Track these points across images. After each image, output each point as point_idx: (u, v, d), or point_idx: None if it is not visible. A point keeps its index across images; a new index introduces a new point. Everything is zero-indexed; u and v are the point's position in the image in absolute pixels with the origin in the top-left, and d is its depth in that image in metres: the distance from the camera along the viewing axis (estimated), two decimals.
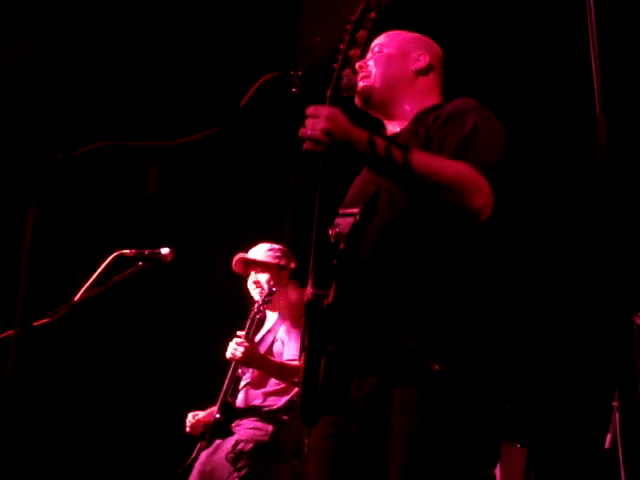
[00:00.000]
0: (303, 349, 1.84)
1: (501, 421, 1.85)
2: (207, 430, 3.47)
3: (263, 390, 3.53)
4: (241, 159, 5.52)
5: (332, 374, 1.81)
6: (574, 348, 3.69)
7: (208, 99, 5.02)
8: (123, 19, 5.23)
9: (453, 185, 1.75)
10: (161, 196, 5.91)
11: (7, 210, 5.02)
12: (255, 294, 3.66)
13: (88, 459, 5.24)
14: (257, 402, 3.50)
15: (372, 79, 2.10)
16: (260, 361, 3.39)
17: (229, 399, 3.49)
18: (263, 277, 3.66)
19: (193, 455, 3.46)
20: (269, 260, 3.68)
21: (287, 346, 3.49)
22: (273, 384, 3.52)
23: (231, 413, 3.46)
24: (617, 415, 2.92)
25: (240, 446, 3.36)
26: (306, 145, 1.75)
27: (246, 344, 3.30)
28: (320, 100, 1.88)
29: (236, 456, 3.34)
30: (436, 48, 2.21)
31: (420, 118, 2.02)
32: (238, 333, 3.40)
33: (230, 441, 3.40)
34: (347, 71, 1.87)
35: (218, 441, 3.44)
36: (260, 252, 3.72)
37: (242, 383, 3.61)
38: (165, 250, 2.90)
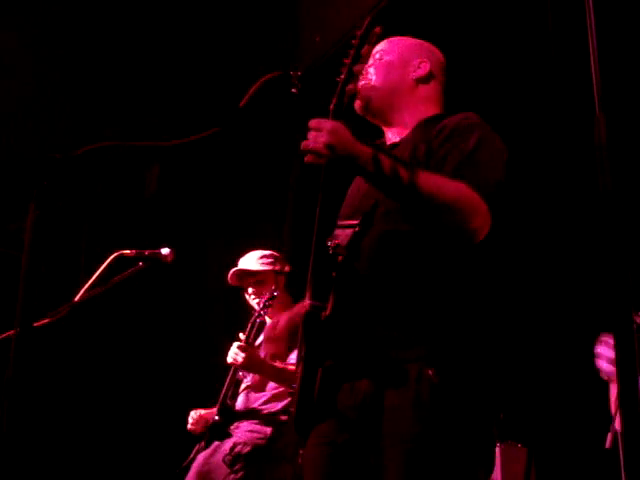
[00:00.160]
0: (299, 360, 1.83)
1: (495, 428, 1.85)
2: (205, 432, 3.47)
3: (263, 393, 3.53)
4: (241, 159, 5.52)
5: (328, 388, 1.81)
6: (574, 348, 3.69)
7: (208, 99, 5.02)
8: (124, 19, 5.22)
9: (452, 206, 1.76)
10: (161, 196, 5.91)
11: (7, 210, 5.02)
12: (254, 304, 3.65)
13: (88, 459, 5.24)
14: (256, 405, 3.50)
15: (372, 86, 2.08)
16: (261, 366, 3.38)
17: (229, 402, 3.49)
18: (260, 286, 3.65)
19: (191, 456, 3.47)
20: (264, 268, 3.67)
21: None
22: (273, 387, 3.52)
23: (230, 415, 3.46)
24: (618, 415, 2.93)
25: (238, 448, 3.37)
26: (308, 158, 1.76)
27: (247, 350, 3.30)
28: (321, 106, 1.89)
29: (233, 458, 3.34)
30: (438, 55, 2.19)
31: (420, 129, 2.01)
32: (240, 336, 3.40)
33: (228, 443, 3.40)
34: (350, 86, 1.87)
35: (216, 443, 3.44)
36: (253, 261, 3.71)
37: (242, 386, 3.61)
38: (165, 250, 2.91)
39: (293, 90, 2.05)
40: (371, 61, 2.12)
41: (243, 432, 3.43)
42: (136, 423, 5.35)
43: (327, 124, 1.76)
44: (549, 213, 3.81)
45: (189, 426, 3.53)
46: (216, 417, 3.44)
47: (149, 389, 5.38)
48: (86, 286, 2.72)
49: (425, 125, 2.02)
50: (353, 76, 1.88)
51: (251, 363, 3.33)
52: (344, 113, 1.86)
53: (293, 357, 3.43)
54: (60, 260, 5.49)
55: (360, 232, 1.89)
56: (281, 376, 3.37)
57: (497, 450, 3.67)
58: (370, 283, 1.85)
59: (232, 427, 3.46)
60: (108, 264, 2.78)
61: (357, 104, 2.09)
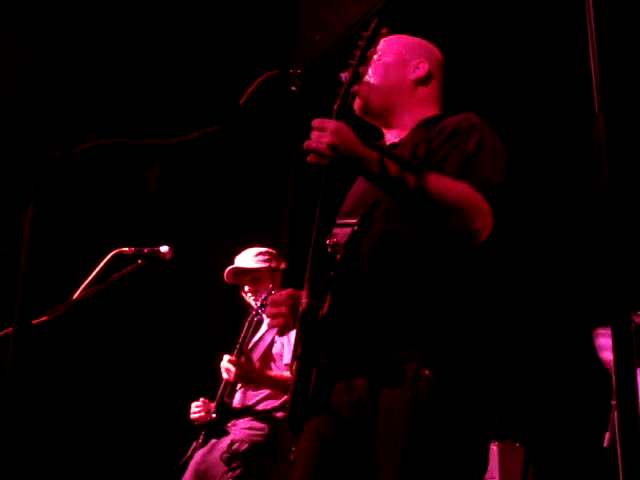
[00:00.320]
0: (295, 358, 1.83)
1: (490, 430, 1.85)
2: (202, 430, 3.47)
3: (260, 391, 3.52)
4: (241, 157, 5.52)
5: (323, 387, 1.80)
6: (572, 347, 3.69)
7: (208, 97, 5.02)
8: (124, 18, 5.22)
9: (455, 206, 1.75)
10: (160, 194, 5.92)
11: (6, 208, 5.02)
12: (252, 301, 3.65)
13: (85, 457, 5.25)
14: (253, 402, 3.50)
15: (370, 88, 2.06)
16: (253, 378, 3.40)
17: (226, 399, 3.49)
18: (257, 284, 3.65)
19: (188, 454, 3.47)
20: (260, 265, 3.67)
21: (287, 349, 3.49)
22: None
23: (227, 413, 3.46)
24: (616, 414, 2.93)
25: (235, 446, 3.37)
26: (310, 158, 1.76)
27: (235, 368, 3.28)
28: (321, 104, 1.89)
29: (231, 456, 3.34)
30: (436, 53, 2.18)
31: (420, 129, 2.01)
32: (225, 357, 3.36)
33: (225, 441, 3.40)
34: (355, 87, 1.87)
35: (213, 441, 3.44)
36: (249, 259, 3.70)
37: (239, 384, 3.61)
38: (164, 248, 2.90)
39: (293, 88, 2.05)
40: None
41: (240, 429, 3.43)
42: (134, 421, 5.35)
43: (330, 124, 1.75)
44: (548, 212, 3.81)
45: (193, 415, 3.49)
46: (213, 415, 3.43)
47: (147, 387, 5.39)
48: (85, 284, 2.72)
49: (425, 125, 2.01)
50: (358, 77, 1.87)
51: (243, 378, 3.34)
52: (348, 114, 1.86)
53: (289, 357, 3.43)
54: (59, 258, 5.50)
55: (359, 231, 1.89)
56: (275, 384, 3.37)
57: (495, 449, 3.68)
58: (368, 282, 1.85)
59: (229, 425, 3.45)
60: (107, 262, 2.78)
61: (356, 105, 2.08)
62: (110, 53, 5.28)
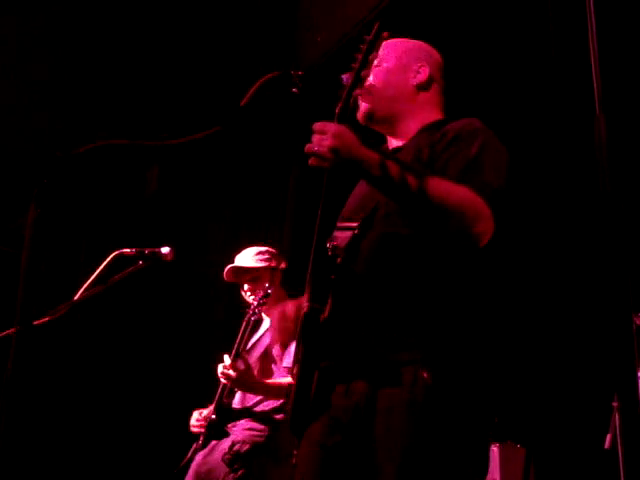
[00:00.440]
0: (296, 362, 1.83)
1: (490, 431, 1.86)
2: (203, 431, 3.46)
3: None
4: (242, 158, 5.52)
5: (325, 389, 1.81)
6: (573, 348, 3.69)
7: (209, 98, 5.02)
8: (125, 18, 5.23)
9: (456, 210, 1.76)
10: (162, 195, 5.92)
11: (7, 208, 5.02)
12: (250, 301, 3.64)
13: (86, 458, 5.25)
14: (253, 403, 3.50)
15: (372, 94, 2.06)
16: (249, 386, 3.38)
17: (225, 400, 3.48)
18: (256, 283, 3.64)
19: (188, 456, 3.46)
20: (260, 265, 3.66)
21: (286, 352, 3.48)
22: None
23: (227, 414, 3.46)
24: (617, 415, 2.93)
25: (236, 447, 3.36)
26: (311, 161, 1.75)
27: (233, 374, 3.28)
28: (322, 105, 1.88)
29: (233, 457, 3.33)
30: (435, 56, 2.18)
31: (423, 134, 2.01)
32: (225, 357, 3.36)
33: (226, 442, 3.39)
34: (358, 91, 1.87)
35: (214, 442, 3.43)
36: (249, 258, 3.69)
37: None
38: (165, 249, 2.90)
39: (294, 90, 2.05)
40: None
41: (241, 430, 3.42)
42: (135, 422, 5.35)
43: (332, 127, 1.75)
44: (549, 214, 3.81)
45: (193, 428, 3.49)
46: (213, 416, 3.43)
47: (148, 388, 5.39)
48: (86, 285, 2.72)
49: (428, 130, 2.02)
50: (360, 81, 1.87)
51: (239, 385, 3.34)
52: (350, 117, 1.86)
53: (288, 361, 3.42)
54: (60, 258, 5.50)
55: (359, 235, 1.90)
56: (270, 392, 3.37)
57: (496, 450, 3.68)
58: (368, 286, 1.85)
59: (229, 426, 3.45)
60: (108, 263, 2.78)
61: (359, 115, 2.08)
62: (112, 54, 5.29)
